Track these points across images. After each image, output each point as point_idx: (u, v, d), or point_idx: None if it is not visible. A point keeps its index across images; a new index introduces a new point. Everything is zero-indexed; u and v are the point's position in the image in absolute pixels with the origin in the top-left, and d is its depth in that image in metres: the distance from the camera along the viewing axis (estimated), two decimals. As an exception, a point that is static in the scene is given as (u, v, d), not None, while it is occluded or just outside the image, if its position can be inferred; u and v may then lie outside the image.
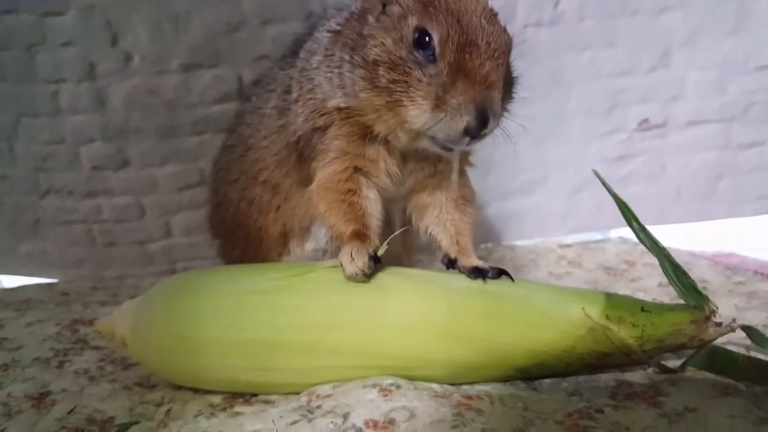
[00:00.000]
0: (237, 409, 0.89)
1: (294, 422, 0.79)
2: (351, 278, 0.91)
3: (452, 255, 1.03)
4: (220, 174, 1.33)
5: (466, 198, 1.09)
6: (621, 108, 1.79)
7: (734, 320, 0.90)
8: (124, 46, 1.50)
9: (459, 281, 0.96)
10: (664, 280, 0.98)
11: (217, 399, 0.93)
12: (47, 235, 1.70)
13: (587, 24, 1.67)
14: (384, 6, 0.96)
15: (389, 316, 0.90)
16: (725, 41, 1.72)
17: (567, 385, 0.92)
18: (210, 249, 1.43)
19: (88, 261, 1.74)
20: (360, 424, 0.77)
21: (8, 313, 1.35)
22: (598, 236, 2.01)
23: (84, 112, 1.55)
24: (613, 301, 0.92)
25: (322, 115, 1.01)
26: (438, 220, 1.08)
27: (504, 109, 0.95)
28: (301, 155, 1.07)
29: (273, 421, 0.81)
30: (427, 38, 0.89)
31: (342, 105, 0.99)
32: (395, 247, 1.00)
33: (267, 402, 0.90)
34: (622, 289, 1.42)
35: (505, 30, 0.94)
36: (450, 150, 0.95)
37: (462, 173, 1.11)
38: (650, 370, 0.94)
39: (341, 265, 0.92)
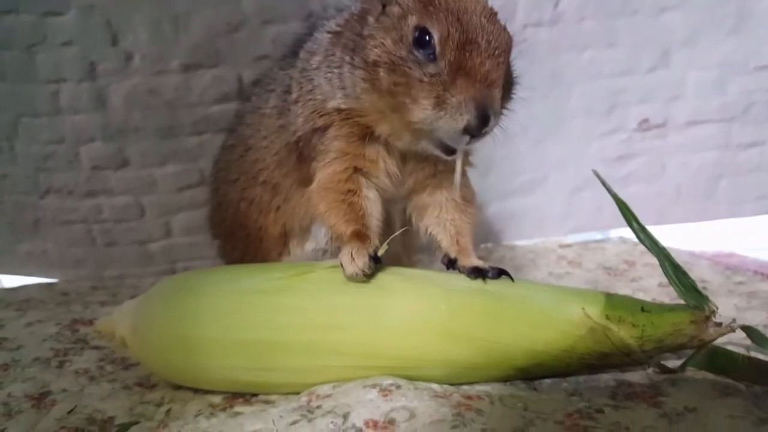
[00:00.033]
0: (237, 409, 0.89)
1: (294, 422, 0.79)
2: (351, 278, 0.91)
3: (452, 255, 1.03)
4: (220, 174, 1.33)
5: (466, 198, 1.09)
6: (621, 108, 1.79)
7: (734, 320, 0.90)
8: (124, 45, 1.50)
9: (459, 281, 0.96)
10: (664, 280, 0.98)
11: (217, 399, 0.93)
12: (47, 235, 1.70)
13: (587, 24, 1.67)
14: (384, 6, 0.96)
15: (389, 316, 0.90)
16: (725, 41, 1.72)
17: (567, 385, 0.92)
18: (210, 249, 1.43)
19: (88, 261, 1.74)
20: (360, 424, 0.77)
21: (8, 313, 1.35)
22: (598, 236, 2.01)
23: (84, 112, 1.55)
24: (613, 301, 0.92)
25: (322, 116, 1.01)
26: (438, 220, 1.08)
27: (504, 107, 0.95)
28: (301, 155, 1.07)
29: (273, 421, 0.81)
30: (427, 37, 0.89)
31: (342, 106, 0.99)
32: (395, 247, 1.00)
33: (267, 402, 0.90)
34: (622, 289, 1.42)
35: (505, 29, 0.94)
36: (451, 153, 0.95)
37: (462, 173, 1.11)
38: (650, 370, 0.94)
39: (341, 266, 0.92)
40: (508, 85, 0.97)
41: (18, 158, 1.59)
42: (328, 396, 0.85)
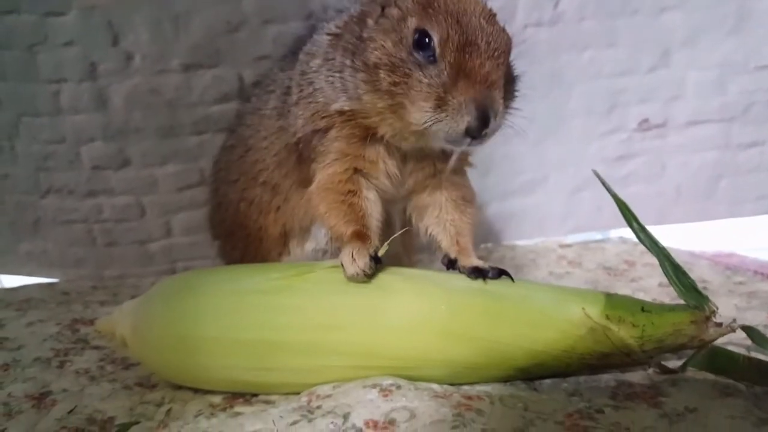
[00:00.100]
0: (237, 409, 0.89)
1: (294, 422, 0.79)
2: (352, 279, 0.91)
3: (452, 255, 1.03)
4: (220, 174, 1.33)
5: (466, 198, 1.10)
6: (621, 108, 1.79)
7: (734, 320, 0.90)
8: (125, 45, 1.50)
9: (459, 281, 0.96)
10: (665, 280, 0.98)
11: (217, 399, 0.93)
12: (48, 235, 1.70)
13: (587, 24, 1.67)
14: (383, 9, 0.96)
15: (390, 316, 0.90)
16: (725, 41, 1.72)
17: (567, 385, 0.92)
18: (210, 249, 1.43)
19: (88, 260, 1.74)
20: (360, 424, 0.77)
21: (9, 313, 1.35)
22: (598, 236, 2.01)
23: (85, 112, 1.55)
24: (613, 301, 0.92)
25: (323, 118, 1.02)
26: (438, 220, 1.08)
27: (506, 107, 0.95)
28: (301, 156, 1.07)
29: (273, 421, 0.81)
30: (427, 39, 0.89)
31: (345, 108, 0.99)
32: (395, 247, 1.00)
33: (267, 402, 0.90)
34: (623, 289, 1.42)
35: (504, 30, 0.94)
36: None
37: (462, 173, 1.12)
38: (650, 370, 0.95)
39: (342, 266, 0.92)
40: (509, 85, 0.96)
41: (19, 158, 1.59)
42: (329, 396, 0.85)
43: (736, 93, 1.78)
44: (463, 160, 1.11)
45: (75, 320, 1.30)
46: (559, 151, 1.82)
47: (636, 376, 0.93)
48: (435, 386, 0.87)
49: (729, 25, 1.70)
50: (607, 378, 0.93)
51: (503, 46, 0.91)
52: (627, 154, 1.85)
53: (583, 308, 0.90)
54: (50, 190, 1.64)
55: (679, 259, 0.98)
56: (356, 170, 1.02)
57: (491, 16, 0.94)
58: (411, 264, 1.23)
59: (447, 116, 0.87)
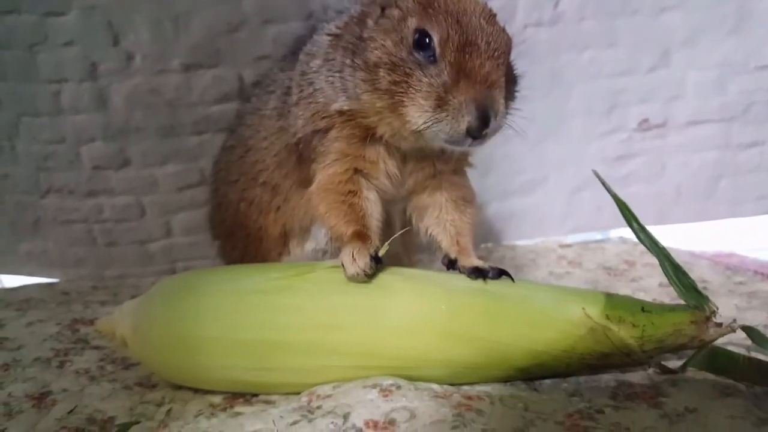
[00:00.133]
0: (237, 409, 0.89)
1: (294, 422, 0.79)
2: (353, 279, 0.91)
3: (452, 255, 1.03)
4: (220, 175, 1.33)
5: (466, 198, 1.10)
6: (621, 108, 1.79)
7: (734, 320, 0.90)
8: (125, 45, 1.50)
9: (459, 281, 0.96)
10: (665, 280, 0.98)
11: (217, 399, 0.93)
12: (48, 235, 1.70)
13: (587, 24, 1.67)
14: (383, 9, 0.97)
15: (390, 316, 0.91)
16: (725, 41, 1.72)
17: (567, 385, 0.92)
18: (210, 248, 1.43)
19: (88, 260, 1.74)
20: (360, 424, 0.77)
21: (9, 313, 1.35)
22: (598, 236, 2.01)
23: (85, 112, 1.55)
24: (614, 301, 0.92)
25: (323, 118, 1.02)
26: (438, 220, 1.08)
27: (507, 107, 0.95)
28: (301, 157, 1.07)
29: (273, 421, 0.81)
30: (427, 39, 0.89)
31: (345, 108, 0.99)
32: (395, 247, 1.00)
33: (267, 402, 0.90)
34: (623, 289, 1.42)
35: (504, 30, 0.94)
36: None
37: (462, 174, 1.12)
38: (651, 370, 0.95)
39: (343, 266, 0.92)
40: (509, 85, 0.96)
41: (19, 158, 1.59)
42: (329, 396, 0.85)
43: (736, 93, 1.78)
44: (463, 160, 1.11)
45: (75, 320, 1.30)
46: (559, 151, 1.82)
47: (636, 377, 0.93)
48: (435, 386, 0.87)
49: (729, 25, 1.70)
50: (608, 378, 0.93)
51: (503, 46, 0.91)
52: (627, 154, 1.85)
53: (583, 308, 0.90)
54: (50, 190, 1.64)
55: (679, 259, 0.98)
56: (356, 170, 1.02)
57: (491, 17, 0.94)
58: (411, 264, 1.23)
59: (447, 116, 0.87)
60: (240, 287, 0.95)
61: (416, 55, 0.89)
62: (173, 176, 1.66)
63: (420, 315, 0.90)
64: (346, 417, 0.79)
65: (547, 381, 0.94)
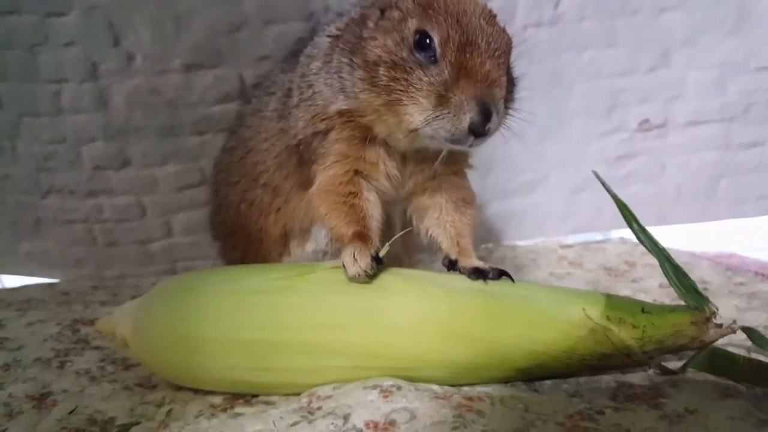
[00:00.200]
0: (237, 410, 0.89)
1: (294, 423, 0.79)
2: (354, 279, 0.91)
3: (453, 256, 1.03)
4: (220, 176, 1.33)
5: (466, 200, 1.10)
6: (621, 108, 1.79)
7: (735, 321, 0.90)
8: (126, 46, 1.50)
9: (460, 282, 0.96)
10: (665, 280, 0.98)
11: (217, 400, 0.93)
12: (48, 235, 1.70)
13: (587, 24, 1.67)
14: (383, 11, 0.97)
15: (390, 316, 0.91)
16: (725, 41, 1.72)
17: (568, 386, 0.92)
18: (211, 249, 1.43)
19: (88, 260, 1.74)
20: (360, 425, 0.77)
21: (9, 313, 1.35)
22: (598, 237, 2.01)
23: (86, 112, 1.55)
24: (614, 302, 0.92)
25: (323, 120, 1.02)
26: (438, 221, 1.08)
27: (507, 107, 0.96)
28: (302, 158, 1.07)
29: (273, 422, 0.81)
30: (427, 40, 0.89)
31: (343, 107, 0.99)
32: (396, 247, 1.00)
33: (267, 403, 0.90)
34: (623, 290, 1.42)
35: (504, 30, 0.95)
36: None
37: (461, 175, 1.12)
38: (651, 371, 0.94)
39: (343, 266, 0.92)
40: (509, 85, 0.97)
41: (19, 158, 1.59)
42: (329, 397, 0.85)
43: (736, 93, 1.78)
44: (463, 161, 1.11)
45: (75, 320, 1.30)
46: (559, 151, 1.82)
47: (636, 377, 0.93)
48: (435, 387, 0.87)
49: (729, 25, 1.70)
50: (608, 379, 0.93)
51: (503, 46, 0.92)
52: (627, 154, 1.85)
53: (583, 309, 0.90)
54: (51, 190, 1.64)
55: (680, 260, 0.99)
56: (357, 172, 1.03)
57: (491, 17, 0.94)
58: (411, 264, 1.23)
59: (449, 113, 0.87)
60: (241, 287, 0.95)
61: (417, 55, 0.90)
62: (174, 176, 1.66)
63: (420, 315, 0.90)
64: (346, 418, 0.79)
65: (548, 382, 0.94)
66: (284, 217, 1.16)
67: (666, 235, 1.14)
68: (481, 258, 1.02)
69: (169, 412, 0.90)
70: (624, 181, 1.85)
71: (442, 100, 0.87)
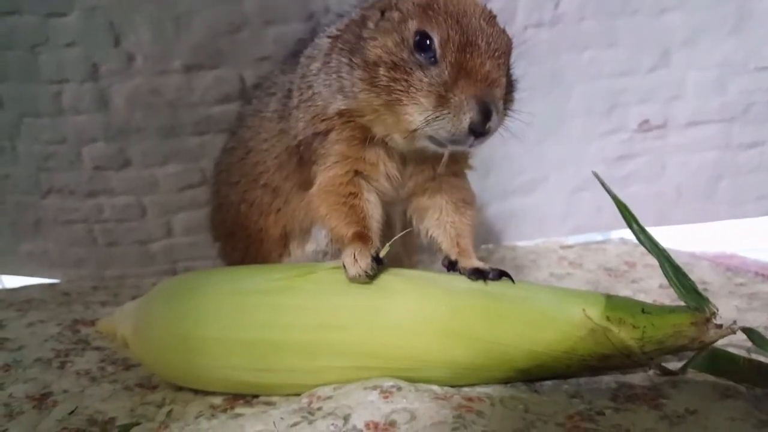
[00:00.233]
0: (238, 410, 0.89)
1: (295, 424, 0.79)
2: (354, 279, 0.91)
3: (453, 257, 1.03)
4: (221, 176, 1.33)
5: (466, 200, 1.10)
6: (621, 108, 1.79)
7: (735, 322, 0.90)
8: (126, 46, 1.50)
9: (460, 282, 0.96)
10: (665, 281, 0.98)
11: (218, 400, 0.93)
12: (48, 235, 1.70)
13: (587, 24, 1.67)
14: (383, 12, 0.97)
15: (390, 316, 0.91)
16: (725, 41, 1.72)
17: (568, 387, 0.92)
18: (211, 249, 1.43)
19: (89, 261, 1.74)
20: (360, 425, 0.77)
21: (10, 314, 1.35)
22: (598, 237, 2.01)
23: (86, 112, 1.55)
24: (614, 303, 0.92)
25: (323, 121, 1.02)
26: (438, 222, 1.08)
27: (506, 108, 0.96)
28: (302, 159, 1.07)
29: (274, 422, 0.81)
30: (427, 41, 0.90)
31: (343, 108, 0.99)
32: (396, 248, 1.00)
33: (268, 403, 0.91)
34: (623, 291, 1.42)
35: (504, 31, 0.95)
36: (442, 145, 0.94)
37: (461, 176, 1.12)
38: (651, 372, 0.95)
39: (344, 267, 0.92)
40: (508, 86, 0.97)
41: (20, 158, 1.59)
42: (329, 398, 0.85)
43: (736, 93, 1.78)
44: (463, 162, 1.11)
45: (76, 321, 1.30)
46: (559, 152, 1.82)
47: (636, 378, 0.93)
48: (435, 388, 0.88)
49: (729, 25, 1.70)
50: (608, 380, 0.93)
51: (503, 46, 0.92)
52: (627, 154, 1.85)
53: (583, 309, 0.90)
54: (51, 190, 1.64)
55: (680, 261, 0.99)
56: (357, 172, 1.03)
57: (491, 18, 0.94)
58: (411, 265, 1.23)
59: (449, 113, 0.87)
60: (241, 288, 0.95)
61: (417, 56, 0.90)
62: (174, 176, 1.66)
63: (421, 316, 0.90)
64: (346, 418, 0.79)
65: (548, 382, 0.94)
66: (284, 218, 1.16)
67: (666, 236, 1.14)
68: (481, 259, 1.02)
69: (169, 412, 0.90)
70: (624, 181, 1.85)
71: (442, 101, 0.87)
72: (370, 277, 0.92)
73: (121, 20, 1.48)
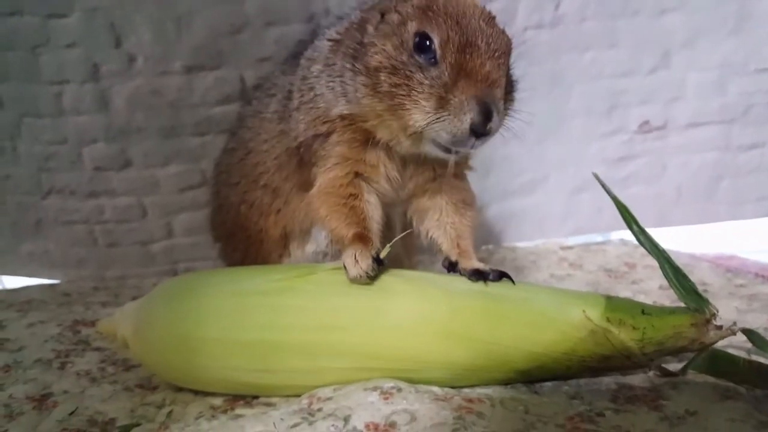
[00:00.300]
0: (238, 411, 0.89)
1: (295, 425, 0.79)
2: (355, 280, 0.91)
3: (453, 258, 1.03)
4: (221, 177, 1.34)
5: (466, 201, 1.10)
6: (621, 109, 1.79)
7: (735, 323, 0.90)
8: (127, 47, 1.50)
9: (460, 283, 0.96)
10: (665, 282, 0.98)
11: (218, 401, 0.93)
12: (49, 236, 1.70)
13: (588, 25, 1.67)
14: (382, 15, 0.97)
15: (391, 317, 0.91)
16: (725, 42, 1.72)
17: (568, 388, 0.92)
18: (211, 249, 1.43)
19: (89, 261, 1.74)
20: (361, 427, 0.77)
21: (10, 314, 1.35)
22: (598, 238, 2.01)
23: (87, 113, 1.55)
24: (614, 304, 0.92)
25: (324, 123, 1.02)
26: (438, 223, 1.08)
27: (507, 108, 0.96)
28: (302, 160, 1.07)
29: (274, 423, 0.81)
30: (427, 42, 0.90)
31: (345, 112, 0.99)
32: (396, 249, 1.00)
33: (268, 404, 0.91)
34: (623, 292, 1.42)
35: (503, 32, 0.95)
36: (455, 152, 0.95)
37: (462, 177, 1.12)
38: (651, 373, 0.95)
39: (345, 268, 0.92)
40: (509, 87, 0.97)
41: (21, 159, 1.59)
42: (329, 399, 0.85)
43: (736, 94, 1.78)
44: (463, 163, 1.11)
45: (76, 321, 1.30)
46: (559, 152, 1.82)
47: (637, 379, 0.93)
48: (436, 389, 0.88)
49: (729, 26, 1.70)
50: (608, 381, 0.93)
51: (503, 47, 0.92)
52: (627, 155, 1.85)
53: (583, 311, 0.90)
54: (52, 190, 1.64)
55: (680, 262, 0.99)
56: (357, 174, 1.03)
57: (490, 18, 0.95)
58: (411, 265, 1.23)
59: (449, 115, 0.87)
60: (241, 288, 0.95)
61: (417, 57, 0.90)
62: (175, 177, 1.66)
63: (421, 317, 0.90)
64: (346, 420, 0.79)
65: (548, 384, 0.94)
66: (284, 219, 1.16)
67: (666, 237, 1.15)
68: (481, 259, 1.02)
69: (169, 413, 0.90)
70: (624, 182, 1.85)
71: (442, 102, 0.87)
72: (371, 278, 0.92)
73: (121, 21, 1.48)
